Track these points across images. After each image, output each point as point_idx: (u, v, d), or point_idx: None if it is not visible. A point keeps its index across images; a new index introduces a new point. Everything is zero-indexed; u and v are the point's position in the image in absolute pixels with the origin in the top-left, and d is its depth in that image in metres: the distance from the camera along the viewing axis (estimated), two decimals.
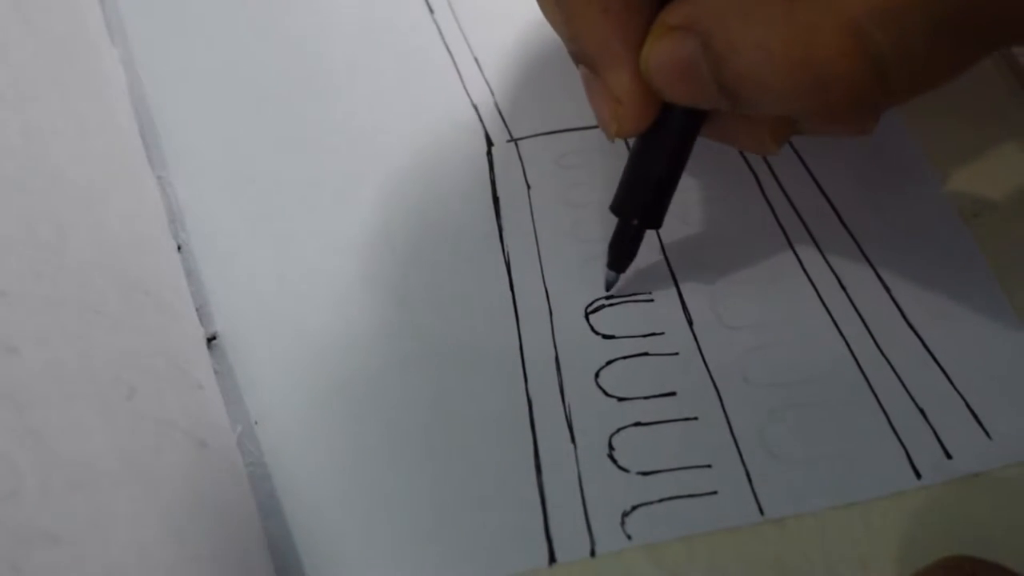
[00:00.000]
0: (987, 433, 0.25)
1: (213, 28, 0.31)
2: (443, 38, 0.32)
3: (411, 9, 0.32)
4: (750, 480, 0.24)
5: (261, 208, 0.28)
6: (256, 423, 0.25)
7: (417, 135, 0.30)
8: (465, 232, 0.28)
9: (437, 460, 0.24)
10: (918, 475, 0.24)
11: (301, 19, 0.32)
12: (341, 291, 0.27)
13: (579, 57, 0.24)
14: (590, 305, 0.27)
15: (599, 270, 0.27)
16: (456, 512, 0.24)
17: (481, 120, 0.30)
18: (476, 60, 0.31)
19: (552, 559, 0.23)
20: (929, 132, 0.30)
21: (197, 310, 0.26)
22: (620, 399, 0.25)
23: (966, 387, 0.25)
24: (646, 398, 0.25)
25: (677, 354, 0.26)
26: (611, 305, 0.27)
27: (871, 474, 0.24)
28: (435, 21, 0.32)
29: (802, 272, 0.27)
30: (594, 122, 0.30)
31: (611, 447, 0.24)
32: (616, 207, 0.26)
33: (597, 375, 0.26)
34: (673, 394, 0.25)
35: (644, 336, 0.26)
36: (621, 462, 0.24)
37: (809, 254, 0.28)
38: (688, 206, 0.28)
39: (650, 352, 0.26)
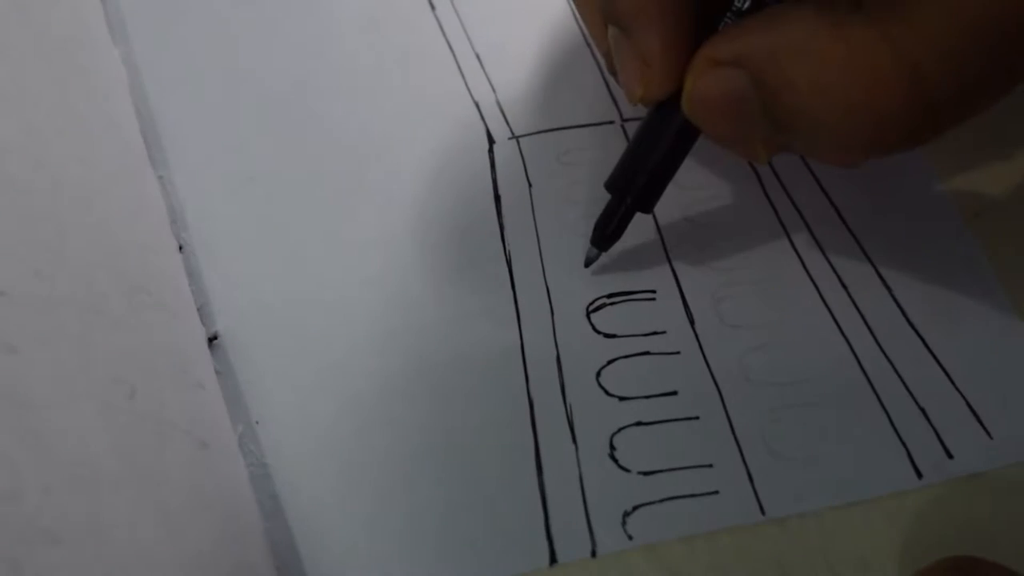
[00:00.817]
0: (988, 433, 0.25)
1: (214, 28, 0.31)
2: (444, 35, 0.32)
3: (412, 6, 0.32)
4: (751, 480, 0.24)
5: (262, 208, 0.28)
6: (257, 423, 0.25)
7: (418, 133, 0.30)
8: (466, 230, 0.28)
9: (438, 460, 0.24)
10: (919, 475, 0.24)
11: (302, 18, 0.32)
12: (342, 290, 0.27)
13: (611, 17, 0.24)
14: (591, 304, 0.27)
15: (600, 270, 0.27)
16: (457, 512, 0.24)
17: (482, 117, 0.30)
18: (478, 57, 0.31)
19: (553, 559, 0.23)
20: None
21: (198, 310, 0.26)
22: (621, 398, 0.25)
23: (967, 387, 0.25)
24: (647, 397, 0.25)
25: (678, 353, 0.26)
26: (612, 304, 0.27)
27: (872, 474, 0.24)
28: (436, 18, 0.32)
29: (804, 272, 0.27)
30: (596, 119, 0.30)
31: (612, 447, 0.24)
32: (611, 184, 0.26)
33: (598, 374, 0.26)
34: (674, 393, 0.25)
35: (645, 335, 0.26)
36: (622, 462, 0.24)
37: (811, 254, 0.28)
38: (690, 205, 0.28)
39: (651, 351, 0.26)
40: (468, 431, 0.25)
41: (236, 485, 0.23)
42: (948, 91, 0.20)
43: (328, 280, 0.27)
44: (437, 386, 0.25)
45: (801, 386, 0.25)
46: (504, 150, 0.29)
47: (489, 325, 0.26)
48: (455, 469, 0.24)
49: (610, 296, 0.27)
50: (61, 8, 0.28)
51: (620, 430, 0.25)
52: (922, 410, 0.25)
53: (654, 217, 0.28)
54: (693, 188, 0.29)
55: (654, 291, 0.27)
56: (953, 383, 0.25)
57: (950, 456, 0.24)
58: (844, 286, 0.27)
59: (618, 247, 0.27)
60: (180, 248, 0.27)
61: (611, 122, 0.30)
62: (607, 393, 0.25)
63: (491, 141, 0.30)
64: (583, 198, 0.28)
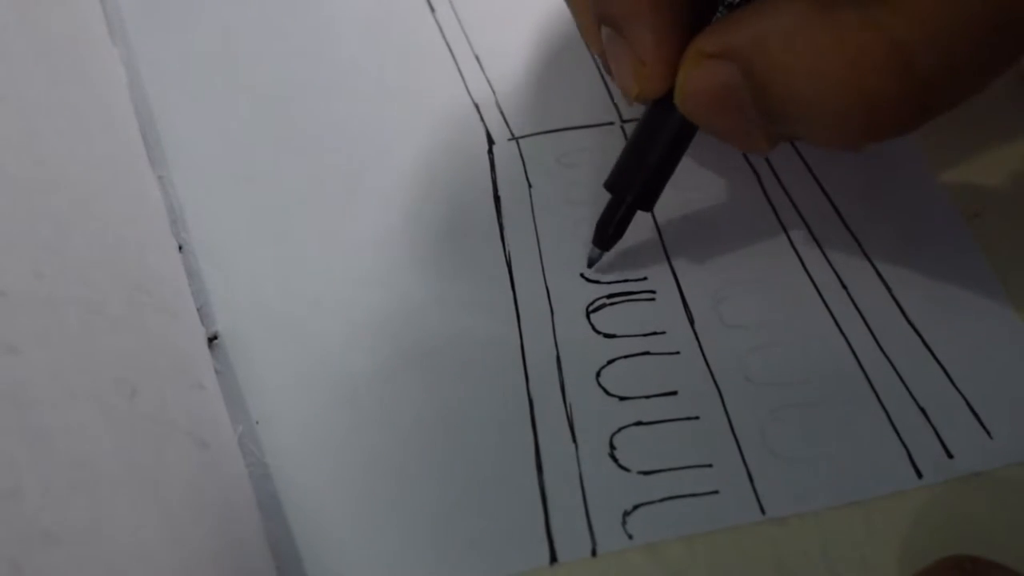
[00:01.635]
0: (988, 432, 0.25)
1: (214, 27, 0.31)
2: (444, 36, 0.32)
3: (412, 7, 0.32)
4: (751, 479, 0.24)
5: (262, 207, 0.28)
6: (257, 423, 0.25)
7: (418, 134, 0.30)
8: (466, 231, 0.28)
9: (438, 460, 0.24)
10: (919, 474, 0.24)
11: (302, 18, 0.32)
12: (342, 291, 0.27)
13: (604, 17, 0.24)
14: (591, 304, 0.27)
15: (599, 270, 0.27)
16: (457, 512, 0.24)
17: (482, 118, 0.30)
18: (477, 58, 0.31)
19: (553, 559, 0.23)
20: (930, 132, 0.30)
21: (198, 310, 0.26)
22: (621, 398, 0.25)
23: (967, 386, 0.25)
24: (647, 397, 0.25)
25: (678, 353, 0.26)
26: (612, 304, 0.27)
27: (872, 473, 0.24)
28: (436, 19, 0.32)
29: (803, 271, 0.27)
30: (595, 120, 0.30)
31: (612, 446, 0.24)
32: (610, 184, 0.26)
33: (598, 374, 0.26)
34: (674, 393, 0.25)
35: (645, 335, 0.26)
36: (622, 461, 0.24)
37: (810, 253, 0.28)
38: (689, 205, 0.28)
39: (651, 351, 0.26)
40: (468, 430, 0.25)
41: (236, 485, 0.23)
42: (939, 74, 0.20)
43: (328, 280, 0.27)
44: (437, 386, 0.25)
45: (801, 386, 0.25)
46: (504, 151, 0.29)
47: (489, 325, 0.26)
48: (455, 469, 0.24)
49: (610, 296, 0.27)
50: (61, 8, 0.29)
51: (620, 430, 0.25)
52: (922, 410, 0.25)
53: (653, 217, 0.28)
54: (692, 189, 0.29)
55: (654, 291, 0.27)
56: (953, 383, 0.25)
57: (950, 456, 0.24)
58: (844, 286, 0.27)
59: (618, 247, 0.27)
60: (180, 248, 0.27)
61: (611, 123, 0.30)
62: (607, 393, 0.25)
63: (491, 142, 0.30)
64: (583, 199, 0.28)
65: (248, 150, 0.29)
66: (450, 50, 0.31)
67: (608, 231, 0.26)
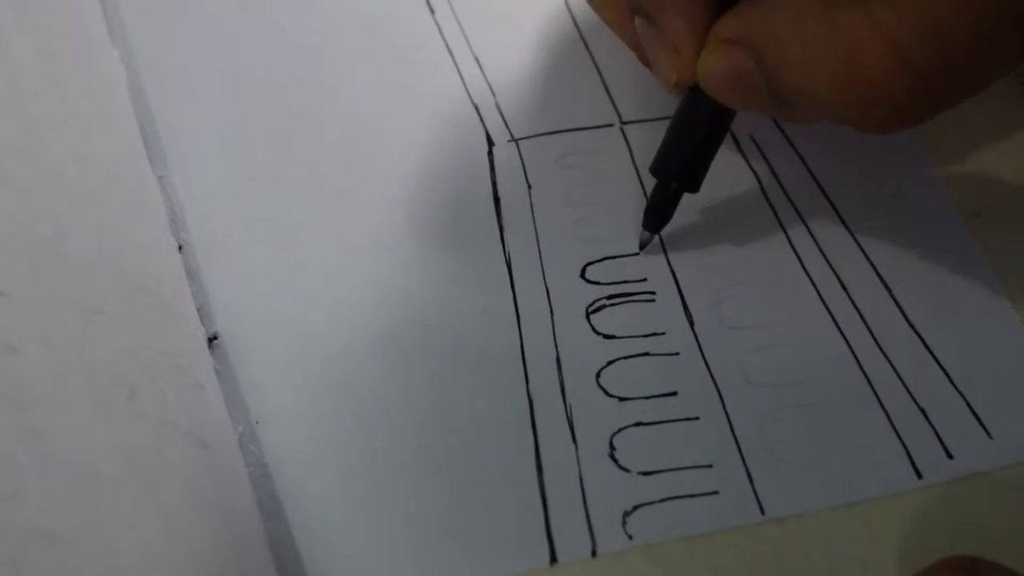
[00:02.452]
0: (988, 433, 0.25)
1: (214, 28, 0.31)
2: (444, 38, 0.32)
3: (412, 8, 0.32)
4: (751, 480, 0.24)
5: (261, 208, 0.28)
6: (257, 423, 0.25)
7: (418, 135, 0.30)
8: (466, 232, 0.28)
9: (438, 460, 0.24)
10: (919, 475, 0.24)
11: (302, 19, 0.32)
12: (342, 291, 0.27)
13: (637, 8, 0.25)
14: (591, 305, 0.27)
15: (600, 270, 0.27)
16: (457, 512, 0.23)
17: (482, 120, 0.30)
18: (477, 60, 0.31)
19: (553, 559, 0.23)
20: (930, 132, 0.30)
21: (198, 310, 0.26)
22: (621, 399, 0.25)
23: (967, 387, 0.25)
24: (647, 398, 0.25)
25: (678, 354, 0.26)
26: (612, 305, 0.27)
27: (872, 474, 0.24)
28: (435, 21, 0.32)
29: (803, 272, 0.27)
30: (595, 122, 0.30)
31: (612, 447, 0.24)
32: (655, 168, 0.26)
33: (598, 375, 0.26)
34: (674, 394, 0.25)
35: (645, 336, 0.26)
36: (622, 462, 0.24)
37: (810, 254, 0.28)
38: (689, 206, 0.28)
39: (651, 352, 0.26)
40: (468, 431, 0.25)
41: (236, 485, 0.23)
42: (936, 69, 0.20)
43: (328, 280, 0.27)
44: (437, 386, 0.25)
45: (801, 386, 0.25)
46: (503, 152, 0.29)
47: (489, 326, 0.26)
48: (455, 469, 0.24)
49: (610, 297, 0.27)
50: (61, 8, 0.28)
51: (620, 430, 0.25)
52: (922, 410, 0.25)
53: None
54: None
55: (654, 292, 0.27)
56: (953, 383, 0.25)
57: (950, 456, 0.24)
58: (844, 286, 0.27)
59: (618, 247, 0.27)
60: (180, 248, 0.27)
61: (610, 125, 0.30)
62: (607, 394, 0.25)
63: (490, 143, 0.30)
64: (583, 200, 0.29)
65: (248, 150, 0.29)
66: (449, 51, 0.31)
67: (657, 215, 0.27)
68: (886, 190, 0.29)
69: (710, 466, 0.24)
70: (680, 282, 0.27)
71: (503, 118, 0.30)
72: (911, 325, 0.26)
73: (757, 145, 0.29)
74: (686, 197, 0.27)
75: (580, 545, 0.23)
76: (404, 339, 0.26)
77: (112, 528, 0.20)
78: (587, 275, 0.27)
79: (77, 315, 0.22)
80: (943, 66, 0.20)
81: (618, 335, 0.26)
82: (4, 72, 0.25)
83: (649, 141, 0.28)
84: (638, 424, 0.25)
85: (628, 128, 0.30)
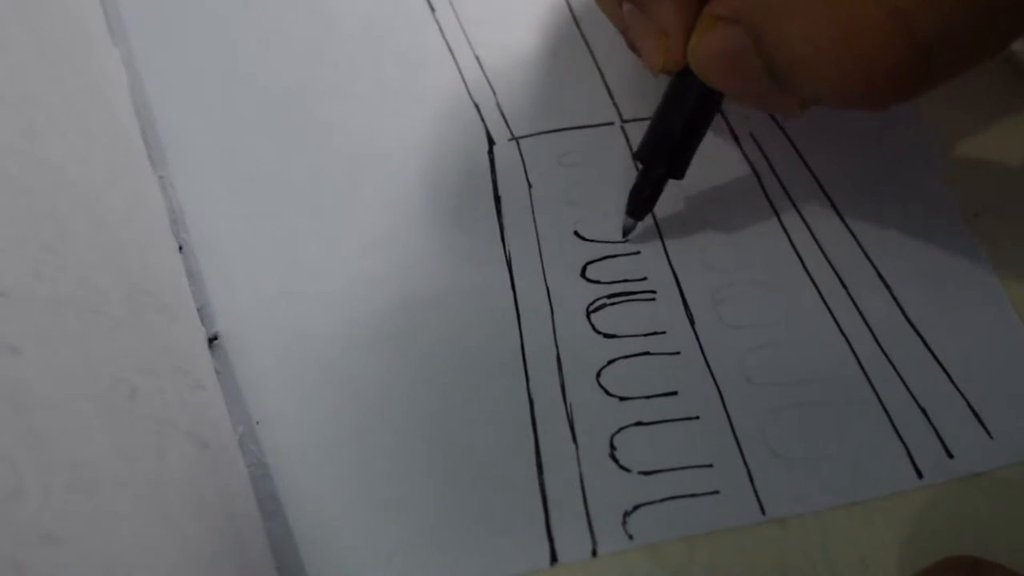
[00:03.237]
0: (988, 433, 0.25)
1: (214, 28, 0.31)
2: (444, 36, 0.32)
3: (412, 7, 0.32)
4: (752, 480, 0.24)
5: (262, 208, 0.28)
6: (257, 423, 0.25)
7: (418, 134, 0.30)
8: (466, 231, 0.28)
9: (438, 460, 0.24)
10: (920, 475, 0.24)
11: (302, 18, 0.32)
12: (343, 291, 0.27)
13: None
14: (591, 304, 0.27)
15: (600, 269, 0.27)
16: (457, 512, 0.24)
17: (482, 119, 0.30)
18: (477, 59, 0.31)
19: (554, 559, 0.23)
20: (931, 132, 0.30)
21: (198, 310, 0.26)
22: (621, 398, 0.25)
23: (968, 386, 0.25)
24: (647, 397, 0.25)
25: (679, 353, 0.26)
26: (612, 304, 0.27)
27: (873, 474, 0.24)
28: (436, 20, 0.32)
29: (804, 272, 0.27)
30: (596, 120, 0.30)
31: (612, 447, 0.24)
32: (641, 154, 0.26)
33: (598, 374, 0.26)
34: (675, 393, 0.25)
35: (645, 335, 0.26)
36: (622, 462, 0.24)
37: (811, 254, 0.28)
38: (690, 205, 0.28)
39: (651, 351, 0.26)
40: (468, 431, 0.25)
41: (236, 485, 0.23)
42: (936, 38, 0.20)
43: (328, 280, 0.27)
44: (437, 386, 0.25)
45: (801, 386, 0.25)
46: (504, 151, 0.29)
47: (489, 325, 0.26)
48: (455, 469, 0.24)
49: (610, 296, 0.27)
50: (61, 8, 0.28)
51: (620, 430, 0.25)
52: (922, 410, 0.25)
53: (654, 217, 0.28)
54: (693, 189, 0.29)
55: (654, 291, 0.27)
56: (953, 383, 0.25)
57: (950, 456, 0.24)
58: (845, 286, 0.27)
59: (618, 247, 0.27)
60: (180, 248, 0.27)
61: (611, 123, 0.30)
62: (607, 393, 0.25)
63: (491, 142, 0.30)
64: (583, 199, 0.28)
65: (248, 150, 0.29)
66: (450, 50, 0.31)
67: (641, 200, 0.27)
68: (887, 190, 0.29)
69: (710, 466, 0.24)
70: (681, 281, 0.27)
71: (503, 117, 0.30)
72: (912, 324, 0.26)
73: (758, 144, 0.29)
74: (689, 197, 0.27)
75: (580, 545, 0.23)
76: (404, 339, 0.26)
77: (112, 528, 0.20)
78: (587, 274, 0.27)
79: (77, 315, 0.22)
80: (944, 36, 0.20)
81: (618, 334, 0.26)
82: (4, 72, 0.25)
83: None
84: (638, 424, 0.25)
85: (629, 127, 0.30)
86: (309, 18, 0.32)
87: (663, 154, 0.26)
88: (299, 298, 0.26)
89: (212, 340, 0.26)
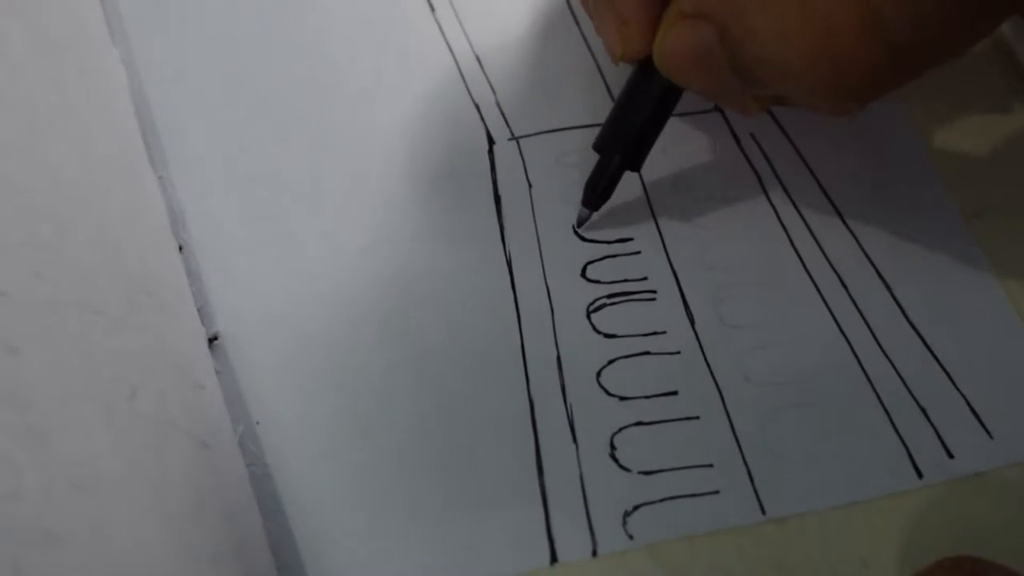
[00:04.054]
0: (989, 433, 0.25)
1: (214, 28, 0.31)
2: (444, 36, 0.32)
3: (412, 7, 0.32)
4: (752, 479, 0.24)
5: (262, 208, 0.28)
6: (257, 423, 0.25)
7: (418, 134, 0.30)
8: (466, 230, 0.28)
9: (438, 460, 0.24)
10: (920, 475, 0.24)
11: (301, 18, 0.32)
12: (342, 291, 0.27)
13: None
14: (592, 304, 0.27)
15: (601, 269, 0.27)
16: (458, 512, 0.24)
17: (482, 118, 0.30)
18: (477, 58, 0.31)
19: (554, 559, 0.23)
20: (931, 132, 0.30)
21: (198, 310, 0.26)
22: (622, 398, 0.25)
23: (968, 387, 0.25)
24: (648, 397, 0.25)
25: (679, 353, 0.26)
26: (612, 304, 0.27)
27: (873, 474, 0.24)
28: (436, 19, 0.32)
29: (804, 272, 0.27)
30: (596, 120, 0.30)
31: (613, 446, 0.24)
32: (599, 144, 0.26)
33: (599, 374, 0.26)
34: (675, 393, 0.25)
35: (646, 335, 0.26)
36: (623, 461, 0.24)
37: (811, 254, 0.28)
38: (690, 206, 0.28)
39: (652, 351, 0.26)
40: (469, 431, 0.25)
41: (237, 485, 0.23)
42: (909, 35, 0.20)
43: (328, 280, 0.27)
44: (437, 386, 0.25)
45: (801, 386, 0.25)
46: (504, 151, 0.29)
47: (489, 325, 0.26)
48: (456, 469, 0.24)
49: (610, 296, 0.27)
50: (60, 9, 0.28)
51: (620, 430, 0.25)
52: (923, 410, 0.25)
53: (654, 217, 0.28)
54: (693, 189, 0.29)
55: (654, 291, 0.27)
56: (953, 383, 0.25)
57: (950, 456, 0.24)
58: (845, 286, 0.27)
59: (618, 247, 0.27)
60: (180, 248, 0.27)
61: None
62: (607, 393, 0.25)
63: (491, 142, 0.30)
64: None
65: (248, 150, 0.29)
66: (450, 50, 0.31)
67: (596, 191, 0.27)
68: (887, 190, 0.29)
69: (711, 466, 0.24)
70: (681, 281, 0.27)
71: (504, 116, 0.30)
72: (912, 325, 0.26)
73: (758, 144, 0.29)
74: (689, 197, 0.27)
75: (581, 545, 0.23)
76: (404, 339, 0.26)
77: (112, 528, 0.20)
78: (588, 274, 0.27)
79: (77, 315, 0.22)
80: (915, 33, 0.20)
81: (619, 334, 0.26)
82: (5, 72, 0.25)
83: None
84: (639, 423, 0.25)
85: None
86: (309, 18, 0.32)
87: (619, 145, 0.26)
88: (299, 298, 0.26)
89: (212, 340, 0.26)
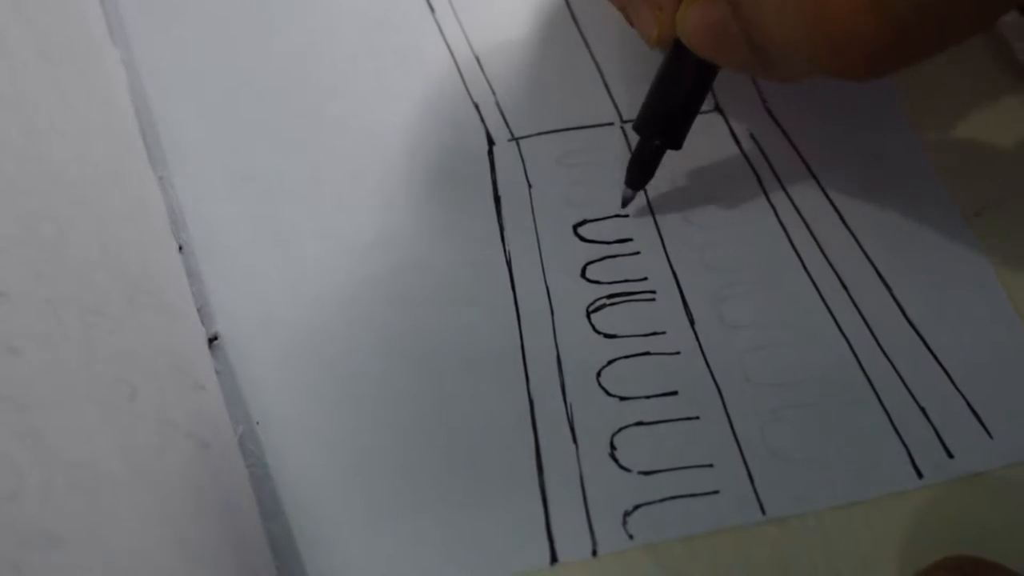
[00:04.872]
0: (988, 433, 0.25)
1: (214, 28, 0.31)
2: (444, 37, 0.32)
3: (412, 7, 0.32)
4: (752, 479, 0.24)
5: (262, 208, 0.28)
6: (258, 423, 0.25)
7: (418, 134, 0.30)
8: (466, 231, 0.28)
9: (438, 460, 0.24)
10: (920, 475, 0.24)
11: (301, 18, 0.32)
12: (342, 291, 0.27)
13: None
14: (591, 304, 0.27)
15: (601, 269, 0.27)
16: (458, 512, 0.24)
17: (482, 119, 0.30)
18: (477, 59, 0.31)
19: (554, 559, 0.23)
20: (931, 131, 0.30)
21: (198, 310, 0.26)
22: (622, 398, 0.25)
23: (968, 386, 0.25)
24: (647, 397, 0.25)
25: (679, 353, 0.26)
26: (612, 304, 0.27)
27: (873, 473, 0.24)
28: (436, 20, 0.32)
29: (804, 272, 0.27)
30: (595, 121, 0.30)
31: (613, 446, 0.24)
32: (638, 125, 0.27)
33: (599, 374, 0.26)
34: (675, 393, 0.25)
35: (645, 335, 0.26)
36: (623, 461, 0.24)
37: (811, 254, 0.28)
38: (690, 206, 0.28)
39: (651, 351, 0.26)
40: (469, 431, 0.25)
41: (237, 485, 0.23)
42: (909, 12, 0.20)
43: (328, 280, 0.27)
44: (437, 386, 0.25)
45: (801, 386, 0.25)
46: (504, 151, 0.29)
47: (489, 326, 0.26)
48: (456, 469, 0.24)
49: (610, 296, 0.27)
50: (61, 9, 0.28)
51: (620, 430, 0.25)
52: (922, 410, 0.25)
53: (654, 218, 0.28)
54: (694, 190, 0.29)
55: (654, 291, 0.27)
56: (953, 383, 0.25)
57: (950, 456, 0.24)
58: (844, 286, 0.27)
59: (618, 248, 0.27)
60: (180, 248, 0.27)
61: (610, 124, 0.30)
62: (607, 393, 0.25)
63: (491, 143, 0.30)
64: (583, 199, 0.28)
65: (248, 150, 0.29)
66: (450, 50, 0.31)
67: (640, 171, 0.27)
68: (887, 190, 0.29)
69: (711, 466, 0.24)
70: (681, 281, 0.27)
71: (503, 117, 0.30)
72: (911, 324, 0.26)
73: (758, 143, 0.29)
74: (689, 197, 0.27)
75: (581, 545, 0.23)
76: (404, 339, 0.26)
77: (112, 528, 0.20)
78: (588, 274, 0.27)
79: (77, 315, 0.22)
80: (916, 12, 0.20)
81: (619, 334, 0.26)
82: (4, 73, 0.25)
83: None
84: (639, 423, 0.25)
85: (628, 127, 0.30)
86: (309, 18, 0.32)
87: (660, 125, 0.26)
88: (299, 298, 0.26)
89: (212, 340, 0.26)
